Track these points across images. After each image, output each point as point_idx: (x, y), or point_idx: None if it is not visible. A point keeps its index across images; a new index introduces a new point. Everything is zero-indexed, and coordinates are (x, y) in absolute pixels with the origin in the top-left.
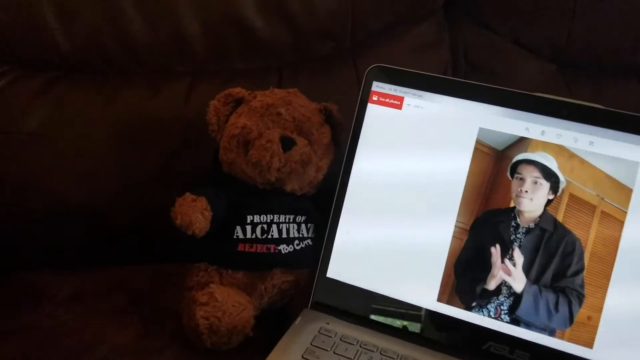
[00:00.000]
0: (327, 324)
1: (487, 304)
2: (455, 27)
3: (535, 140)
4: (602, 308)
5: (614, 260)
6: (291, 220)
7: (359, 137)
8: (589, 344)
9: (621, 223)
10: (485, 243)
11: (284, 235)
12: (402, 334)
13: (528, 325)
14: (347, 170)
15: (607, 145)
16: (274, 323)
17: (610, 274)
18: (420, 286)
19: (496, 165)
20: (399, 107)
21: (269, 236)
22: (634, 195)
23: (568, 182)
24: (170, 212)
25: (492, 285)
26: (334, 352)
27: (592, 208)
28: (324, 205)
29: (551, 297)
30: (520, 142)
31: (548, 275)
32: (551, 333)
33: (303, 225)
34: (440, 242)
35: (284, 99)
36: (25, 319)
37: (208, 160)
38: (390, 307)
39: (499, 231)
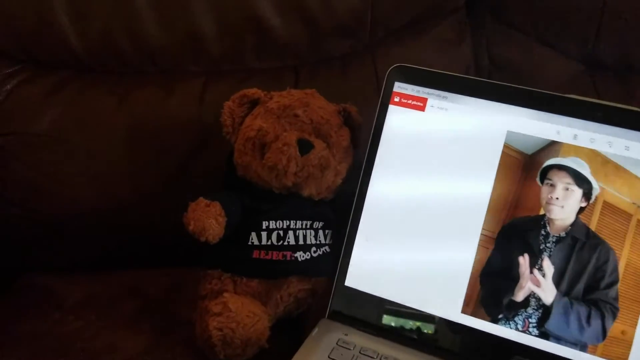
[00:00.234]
0: (346, 335)
1: (514, 317)
2: (478, 25)
3: (567, 144)
4: (637, 322)
5: None
6: (308, 226)
7: (380, 140)
8: None
9: None
10: (512, 252)
11: (301, 241)
12: (423, 346)
13: (558, 340)
14: (367, 175)
15: None
16: (289, 333)
17: None
18: (444, 296)
19: (525, 170)
20: (422, 109)
21: (285, 243)
22: None
23: (602, 188)
24: (182, 218)
25: (520, 296)
26: None
27: (627, 216)
28: (342, 210)
29: (583, 310)
30: (551, 147)
31: (580, 287)
32: (582, 348)
33: (320, 232)
34: (465, 251)
35: (301, 100)
36: (34, 326)
37: (223, 162)
38: (411, 318)
39: (528, 240)
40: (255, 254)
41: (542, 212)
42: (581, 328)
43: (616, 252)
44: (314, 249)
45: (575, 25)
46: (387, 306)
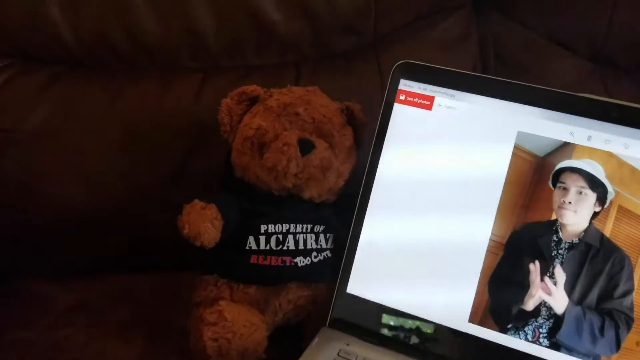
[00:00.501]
0: (347, 345)
1: (524, 326)
2: (485, 22)
3: (581, 145)
4: None
5: None
6: (309, 230)
7: (384, 141)
8: None
9: None
10: (523, 259)
11: (301, 246)
12: (429, 356)
13: (569, 351)
14: (371, 177)
15: None
16: (288, 342)
17: None
18: (450, 305)
19: (536, 173)
20: (429, 107)
21: (285, 247)
22: None
23: (617, 193)
24: (177, 221)
25: (530, 305)
26: None
27: None
28: (344, 213)
29: (596, 320)
30: (564, 148)
31: (593, 296)
32: (595, 359)
33: (322, 236)
34: (473, 257)
35: (302, 97)
36: (23, 333)
37: (221, 162)
38: (416, 328)
39: (539, 246)
40: (253, 259)
41: (554, 217)
42: (594, 339)
43: (632, 259)
44: (314, 253)
45: (584, 22)
46: (391, 314)
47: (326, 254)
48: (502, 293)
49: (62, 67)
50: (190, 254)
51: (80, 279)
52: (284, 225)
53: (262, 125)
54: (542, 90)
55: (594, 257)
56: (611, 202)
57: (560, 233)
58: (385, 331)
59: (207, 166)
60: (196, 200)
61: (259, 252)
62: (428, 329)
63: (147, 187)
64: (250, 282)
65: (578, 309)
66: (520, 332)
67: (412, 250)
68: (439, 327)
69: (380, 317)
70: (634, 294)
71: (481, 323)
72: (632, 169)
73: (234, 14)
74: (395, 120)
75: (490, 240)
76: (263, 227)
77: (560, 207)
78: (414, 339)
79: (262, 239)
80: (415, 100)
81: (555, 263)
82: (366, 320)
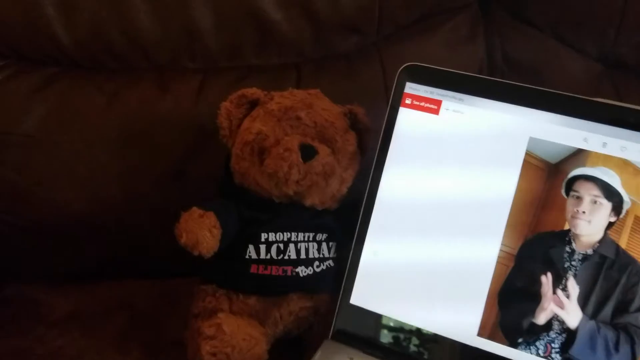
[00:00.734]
0: (351, 358)
1: (535, 341)
2: (492, 22)
3: (596, 152)
4: None
5: None
6: (311, 239)
7: (389, 146)
8: None
9: None
10: (534, 270)
11: (303, 255)
12: None
13: None
14: (375, 183)
15: None
16: (290, 355)
17: None
18: (459, 318)
19: (549, 181)
20: (436, 112)
21: (286, 257)
22: None
23: (633, 202)
24: (174, 229)
25: (541, 319)
26: None
27: None
28: (347, 221)
29: (611, 334)
30: (578, 155)
31: (608, 310)
32: None
33: (324, 244)
34: (482, 268)
35: (304, 101)
36: (16, 343)
37: (220, 167)
38: (422, 341)
39: (551, 257)
40: (253, 269)
41: (567, 227)
42: (609, 354)
43: None
44: (316, 263)
45: (594, 22)
46: (397, 327)
47: (329, 264)
48: (512, 306)
49: (58, 68)
50: (190, 261)
51: (76, 285)
52: (285, 233)
53: (263, 130)
54: (555, 95)
55: (609, 269)
56: (627, 212)
57: (573, 244)
58: (390, 344)
59: (206, 170)
60: (194, 208)
61: (259, 261)
62: (435, 343)
63: (144, 191)
64: (250, 293)
65: (592, 323)
66: (531, 347)
67: (418, 259)
68: (446, 341)
69: (385, 330)
70: None
71: (490, 337)
72: None
73: (233, 13)
74: (400, 125)
75: (500, 250)
76: (263, 236)
77: (574, 217)
78: (420, 353)
79: (263, 247)
80: (422, 104)
81: (568, 275)
82: (370, 332)
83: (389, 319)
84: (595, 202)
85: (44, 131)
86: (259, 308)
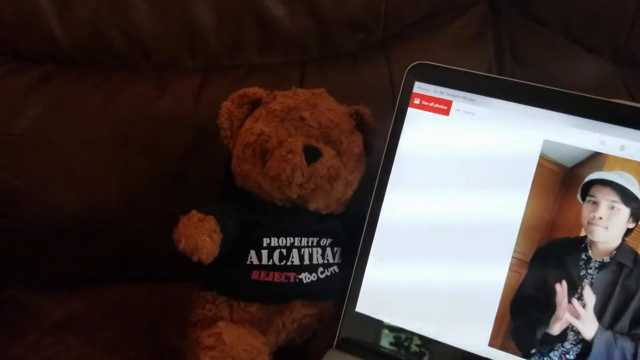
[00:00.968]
0: None
1: (549, 352)
2: (501, 20)
3: (613, 156)
4: None
5: None
6: (314, 244)
7: (397, 148)
8: None
9: None
10: (548, 278)
11: (306, 261)
12: None
13: None
14: (382, 186)
15: None
16: None
17: None
18: (469, 327)
19: (564, 185)
20: (446, 112)
21: (289, 262)
22: None
23: None
24: (173, 233)
25: (556, 329)
26: None
27: None
28: (353, 226)
29: (628, 346)
30: (594, 159)
31: (625, 320)
32: None
33: (328, 250)
34: (494, 276)
35: (308, 101)
36: (8, 349)
37: (221, 169)
38: (431, 350)
39: (566, 265)
40: (255, 275)
41: (583, 233)
42: None
43: None
44: (320, 269)
45: (606, 20)
46: (404, 336)
47: (333, 270)
48: (525, 315)
49: (54, 66)
50: (189, 265)
51: (71, 290)
52: (287, 238)
53: (265, 131)
54: (571, 95)
55: (627, 278)
56: None
57: (589, 251)
58: (396, 354)
59: (207, 173)
60: (193, 211)
61: (261, 267)
62: (444, 353)
63: (142, 193)
64: (252, 300)
65: (609, 334)
66: (545, 358)
67: (427, 266)
68: (455, 351)
69: (391, 339)
70: None
71: (502, 347)
72: None
73: (235, 10)
74: (408, 126)
75: (513, 257)
76: (265, 241)
77: (590, 223)
78: None
79: (265, 253)
80: (431, 104)
81: (584, 283)
82: (376, 341)
83: (396, 327)
84: (612, 207)
85: (39, 131)
86: (261, 316)
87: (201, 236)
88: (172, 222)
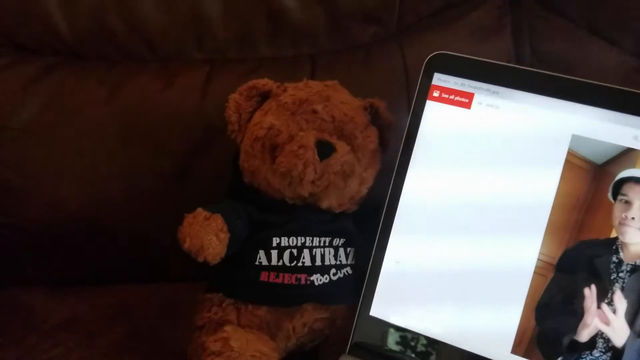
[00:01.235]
0: None
1: None
2: (520, 11)
3: None
4: None
5: None
6: (327, 244)
7: (414, 143)
8: None
9: None
10: (576, 282)
11: (318, 262)
12: None
13: None
14: (398, 184)
15: None
16: None
17: None
18: (490, 333)
19: (593, 183)
20: (468, 106)
21: (300, 263)
22: None
23: None
24: (177, 232)
25: (584, 336)
26: None
27: None
28: (367, 225)
29: None
30: (627, 155)
31: None
32: None
33: (341, 250)
34: (517, 279)
35: (320, 93)
36: (6, 352)
37: (228, 165)
38: (449, 357)
39: (596, 268)
40: (264, 277)
41: (614, 234)
42: None
43: None
44: (333, 270)
45: (629, 12)
46: (421, 342)
47: (346, 271)
48: (551, 321)
49: (56, 58)
50: (195, 265)
51: (73, 290)
52: (298, 238)
53: (275, 125)
54: (602, 88)
55: None
56: None
57: (620, 253)
58: None
59: (213, 169)
60: (199, 209)
61: (270, 268)
62: None
63: (146, 190)
64: (260, 303)
65: None
66: None
67: (445, 269)
68: (476, 358)
69: (407, 345)
70: None
71: (526, 354)
72: None
73: (243, 0)
74: (427, 120)
75: (539, 260)
76: (275, 240)
77: (622, 224)
78: None
79: (274, 253)
80: (452, 97)
81: (614, 288)
82: (391, 347)
83: (413, 333)
84: None
85: (40, 125)
86: (270, 320)
87: (207, 235)
88: (177, 221)
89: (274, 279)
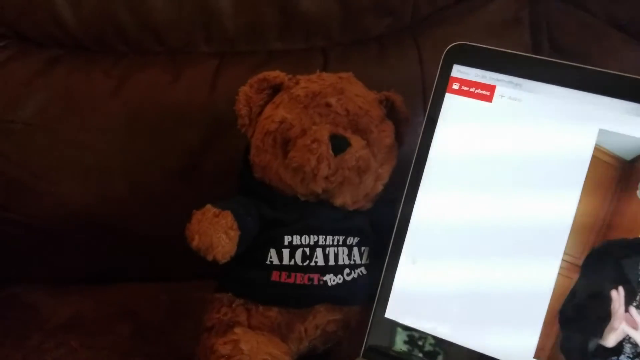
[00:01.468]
0: None
1: None
2: (538, 3)
3: None
4: None
5: None
6: (340, 243)
7: (432, 138)
8: None
9: None
10: (603, 284)
11: (331, 262)
12: None
13: None
14: (415, 181)
15: None
16: None
17: None
18: (513, 338)
19: (622, 180)
20: (489, 99)
21: (312, 263)
22: None
23: None
24: (185, 230)
25: (611, 341)
26: None
27: None
28: (382, 223)
29: None
30: None
31: None
32: None
33: (355, 249)
34: (541, 281)
35: (334, 85)
36: (8, 352)
37: (238, 160)
38: None
39: (623, 269)
40: (275, 276)
41: None
42: None
43: None
44: (347, 270)
45: None
46: (438, 346)
47: (360, 271)
48: (576, 325)
49: (61, 50)
50: (204, 264)
51: (77, 289)
52: (311, 236)
53: (287, 118)
54: (630, 79)
55: None
56: None
57: None
58: None
59: (223, 164)
60: (208, 206)
61: (281, 268)
62: None
63: (154, 186)
64: (271, 304)
65: None
66: None
67: (465, 269)
68: None
69: (424, 349)
70: None
71: None
72: None
73: None
74: (446, 113)
75: (563, 260)
76: (287, 239)
77: None
78: None
79: (286, 252)
80: (472, 90)
81: None
82: (407, 351)
83: (430, 336)
84: None
85: (45, 119)
86: (281, 321)
87: (217, 233)
88: (185, 218)
89: (285, 279)
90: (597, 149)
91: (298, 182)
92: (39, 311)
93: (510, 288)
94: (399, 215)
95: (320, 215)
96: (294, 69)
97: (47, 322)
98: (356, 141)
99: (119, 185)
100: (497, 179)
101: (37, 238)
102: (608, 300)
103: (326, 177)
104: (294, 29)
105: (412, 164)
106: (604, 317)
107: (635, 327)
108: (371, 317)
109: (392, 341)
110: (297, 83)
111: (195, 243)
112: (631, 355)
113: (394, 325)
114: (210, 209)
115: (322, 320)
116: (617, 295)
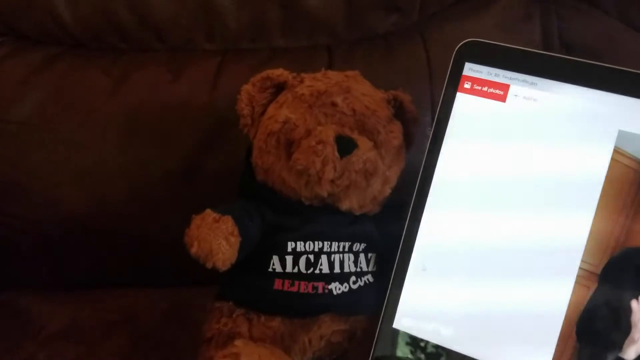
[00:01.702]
0: None
1: None
2: (549, 0)
3: None
4: None
5: None
6: (346, 249)
7: (443, 140)
8: None
9: None
10: (622, 294)
11: (337, 269)
12: None
13: None
14: (425, 184)
15: None
16: None
17: None
18: (527, 350)
19: None
20: (503, 98)
21: (317, 270)
22: None
23: None
24: (184, 236)
25: (631, 354)
26: None
27: None
28: (390, 229)
29: None
30: None
31: None
32: None
33: (362, 256)
34: (557, 290)
35: (340, 84)
36: None
37: (239, 162)
38: None
39: None
40: (278, 285)
41: None
42: None
43: None
44: (353, 278)
45: None
46: (449, 357)
47: (367, 279)
48: (594, 337)
49: (58, 48)
50: (203, 271)
51: (73, 294)
52: (316, 242)
53: (291, 118)
54: None
55: None
56: None
57: None
58: None
59: (224, 166)
60: (208, 211)
61: (284, 275)
62: None
63: (152, 189)
64: (274, 313)
65: None
66: None
67: (477, 278)
68: None
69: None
70: None
71: None
72: None
73: None
74: (457, 114)
75: (580, 268)
76: (290, 245)
77: None
78: None
79: (289, 259)
80: (485, 89)
81: None
82: None
83: (439, 347)
84: None
85: (42, 118)
86: (285, 331)
87: (217, 239)
88: (184, 222)
89: (288, 287)
90: (617, 151)
91: (302, 186)
92: (32, 318)
93: (524, 298)
94: (407, 221)
95: (325, 220)
96: (297, 67)
97: (41, 330)
98: (363, 142)
99: (118, 187)
100: (510, 182)
101: (30, 241)
102: (628, 311)
103: (332, 181)
104: (297, 26)
105: (421, 170)
106: (624, 329)
107: None
108: (378, 328)
109: (399, 352)
110: (301, 82)
111: (194, 249)
112: None
113: (401, 335)
114: (210, 214)
115: (327, 330)
116: (638, 306)
